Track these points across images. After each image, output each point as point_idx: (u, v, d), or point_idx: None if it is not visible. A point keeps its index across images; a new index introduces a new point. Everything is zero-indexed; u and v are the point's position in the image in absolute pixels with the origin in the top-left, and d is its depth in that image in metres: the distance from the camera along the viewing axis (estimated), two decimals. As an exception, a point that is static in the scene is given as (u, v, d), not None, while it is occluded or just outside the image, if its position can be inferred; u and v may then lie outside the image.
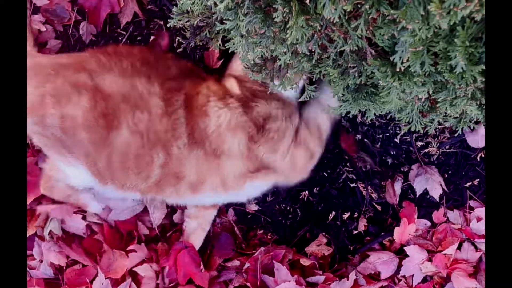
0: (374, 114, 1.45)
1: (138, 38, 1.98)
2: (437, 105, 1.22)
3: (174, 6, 1.41)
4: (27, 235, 1.83)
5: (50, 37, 1.98)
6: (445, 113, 1.40)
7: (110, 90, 1.59)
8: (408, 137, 1.92)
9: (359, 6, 0.97)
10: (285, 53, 1.24)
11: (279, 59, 1.26)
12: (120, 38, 1.98)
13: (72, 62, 1.65)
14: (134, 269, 1.80)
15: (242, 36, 1.25)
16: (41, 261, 1.88)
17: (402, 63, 1.02)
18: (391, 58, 1.03)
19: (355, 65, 1.22)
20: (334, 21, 1.02)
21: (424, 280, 1.88)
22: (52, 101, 1.56)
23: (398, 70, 1.05)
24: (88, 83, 1.58)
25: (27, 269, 1.89)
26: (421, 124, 1.36)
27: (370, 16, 0.97)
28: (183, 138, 1.61)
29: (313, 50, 1.18)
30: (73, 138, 1.60)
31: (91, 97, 1.56)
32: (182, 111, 1.62)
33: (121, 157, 1.63)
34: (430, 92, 1.13)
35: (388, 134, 1.93)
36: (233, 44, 1.31)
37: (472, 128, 1.67)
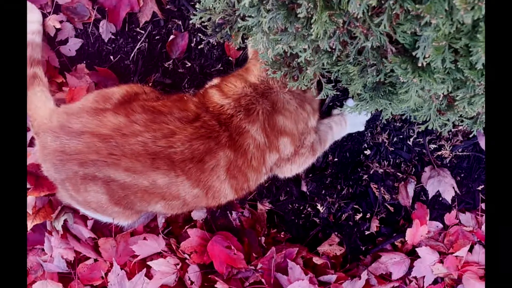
0: (391, 113, 1.47)
1: (157, 37, 2.01)
2: (455, 103, 1.24)
3: (198, 3, 1.43)
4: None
5: (71, 35, 2.02)
6: (461, 115, 1.42)
7: (124, 183, 1.47)
8: (421, 139, 1.94)
9: (383, 1, 1.00)
10: (305, 50, 1.26)
11: (299, 56, 1.29)
12: (138, 37, 2.02)
13: (72, 152, 1.46)
14: (148, 263, 1.81)
15: (263, 33, 1.28)
16: (51, 256, 1.90)
17: (424, 58, 1.04)
18: (414, 53, 1.05)
19: (374, 62, 1.24)
20: (358, 17, 1.04)
21: (435, 281, 1.89)
22: (72, 188, 1.53)
23: (419, 65, 1.07)
24: (98, 175, 1.46)
25: (41, 263, 1.91)
26: (438, 123, 1.38)
27: (394, 12, 1.00)
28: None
29: (334, 47, 1.20)
30: (106, 212, 1.62)
31: (106, 186, 1.48)
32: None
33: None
34: (449, 89, 1.15)
35: (401, 137, 1.94)
36: (254, 41, 1.34)
37: (486, 130, 1.68)
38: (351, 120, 1.85)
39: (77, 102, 1.60)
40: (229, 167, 1.51)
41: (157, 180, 1.46)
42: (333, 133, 1.84)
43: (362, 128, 1.90)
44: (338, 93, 1.85)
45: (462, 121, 1.51)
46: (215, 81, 1.70)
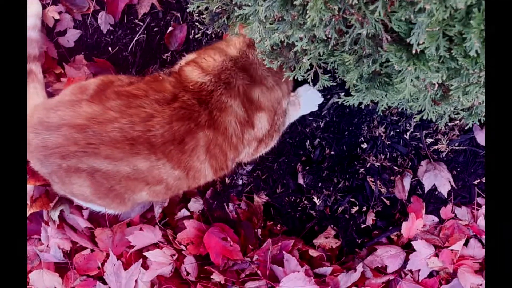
0: (387, 105, 1.48)
1: (155, 29, 2.02)
2: (450, 93, 1.24)
3: (194, -7, 1.44)
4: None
5: (69, 26, 2.02)
6: (456, 106, 1.43)
7: (107, 171, 1.45)
8: (417, 133, 1.94)
9: (377, -12, 1.00)
10: (301, 38, 1.27)
11: (296, 45, 1.29)
12: (137, 29, 2.02)
13: (53, 146, 1.44)
14: (144, 253, 1.81)
15: (260, 22, 1.28)
16: (48, 246, 1.91)
17: (418, 44, 1.05)
18: (408, 40, 1.06)
19: (370, 52, 1.25)
20: (353, 3, 1.05)
21: (431, 275, 1.89)
22: (58, 181, 1.52)
23: (413, 52, 1.07)
24: (81, 166, 1.44)
25: (38, 253, 1.92)
26: (433, 113, 1.38)
27: (388, -2, 1.00)
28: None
29: (329, 36, 1.21)
30: (94, 203, 1.62)
31: (91, 178, 1.47)
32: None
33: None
34: (444, 78, 1.16)
35: (398, 130, 1.95)
36: (251, 30, 1.35)
37: (482, 123, 1.68)
38: (304, 101, 1.88)
39: (56, 97, 1.59)
40: (208, 146, 1.50)
41: (138, 165, 1.44)
42: (289, 116, 1.84)
43: (315, 108, 1.93)
44: (334, 83, 1.87)
45: (457, 113, 1.52)
46: (191, 56, 1.65)
